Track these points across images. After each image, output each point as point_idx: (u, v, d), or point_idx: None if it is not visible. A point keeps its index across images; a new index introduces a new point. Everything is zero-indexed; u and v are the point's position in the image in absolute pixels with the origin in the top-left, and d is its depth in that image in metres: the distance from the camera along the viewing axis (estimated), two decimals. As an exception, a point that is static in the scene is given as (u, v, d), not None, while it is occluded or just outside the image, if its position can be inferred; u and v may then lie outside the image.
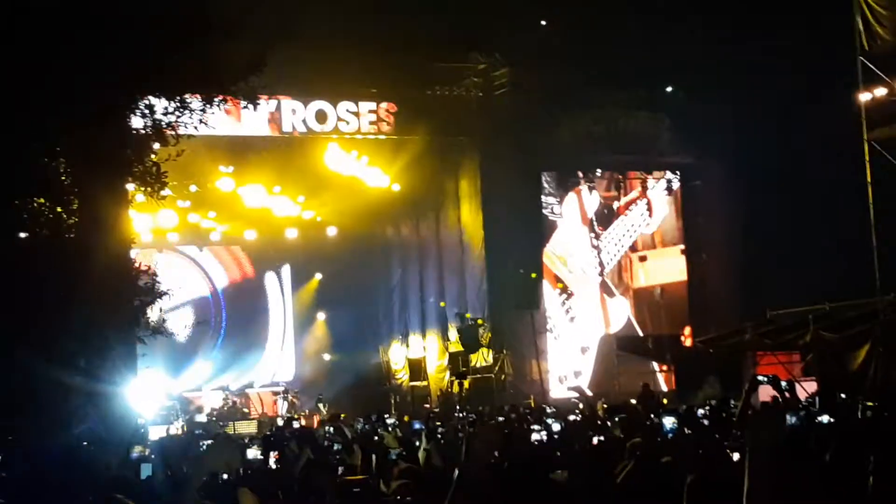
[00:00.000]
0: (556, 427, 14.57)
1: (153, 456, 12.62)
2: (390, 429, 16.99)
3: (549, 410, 20.08)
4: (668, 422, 10.74)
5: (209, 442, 16.63)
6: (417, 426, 17.65)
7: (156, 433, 25.34)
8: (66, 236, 15.24)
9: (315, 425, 24.69)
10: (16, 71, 12.87)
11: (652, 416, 15.88)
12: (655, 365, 29.46)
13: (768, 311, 26.14)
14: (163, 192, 16.11)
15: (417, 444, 11.28)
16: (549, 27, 28.67)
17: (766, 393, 13.35)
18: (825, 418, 11.68)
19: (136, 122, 15.82)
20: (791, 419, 10.17)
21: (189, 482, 7.88)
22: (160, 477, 10.49)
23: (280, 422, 25.91)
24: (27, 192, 14.21)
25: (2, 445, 13.26)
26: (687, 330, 31.22)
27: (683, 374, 26.17)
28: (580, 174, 31.21)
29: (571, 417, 18.39)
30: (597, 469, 8.91)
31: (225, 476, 9.97)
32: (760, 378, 13.86)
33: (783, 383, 14.47)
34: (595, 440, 12.26)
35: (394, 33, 26.54)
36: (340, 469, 12.14)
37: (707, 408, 15.99)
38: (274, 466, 12.84)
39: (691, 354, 28.18)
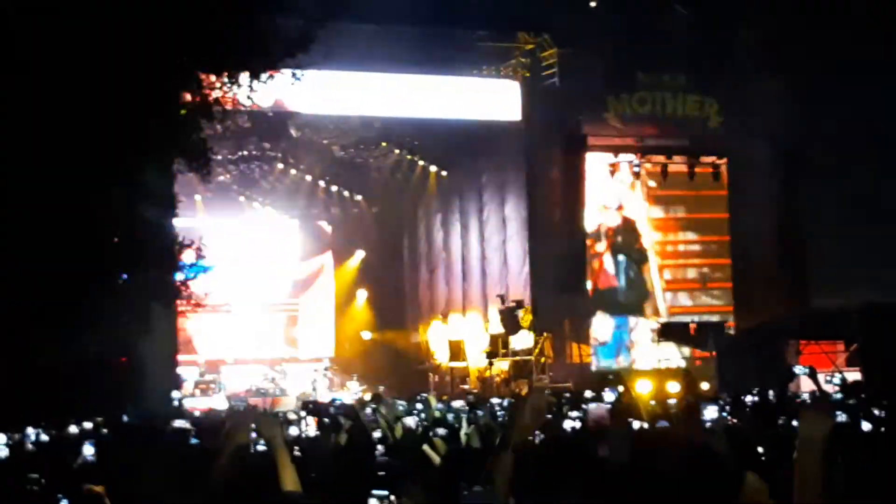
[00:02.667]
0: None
1: (192, 429, 12.67)
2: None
3: (588, 395, 19.86)
4: (710, 411, 10.56)
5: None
6: (458, 404, 17.60)
7: (195, 406, 25.59)
8: (112, 209, 15.32)
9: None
10: (63, 42, 12.91)
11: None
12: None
13: (814, 299, 25.92)
14: (207, 169, 16.11)
15: (457, 426, 11.22)
16: (598, 8, 28.39)
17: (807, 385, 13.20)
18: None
19: (184, 96, 15.86)
20: (840, 416, 9.99)
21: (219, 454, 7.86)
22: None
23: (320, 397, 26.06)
24: (74, 163, 14.28)
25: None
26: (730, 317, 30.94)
27: (725, 362, 25.93)
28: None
29: (608, 398, 18.11)
30: (637, 457, 8.81)
31: (262, 447, 9.93)
32: (797, 369, 13.74)
33: (836, 378, 14.30)
34: (637, 425, 12.11)
35: (441, 11, 26.43)
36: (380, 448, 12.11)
37: (751, 397, 15.80)
38: (313, 434, 12.84)
39: (734, 342, 27.93)
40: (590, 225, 30.44)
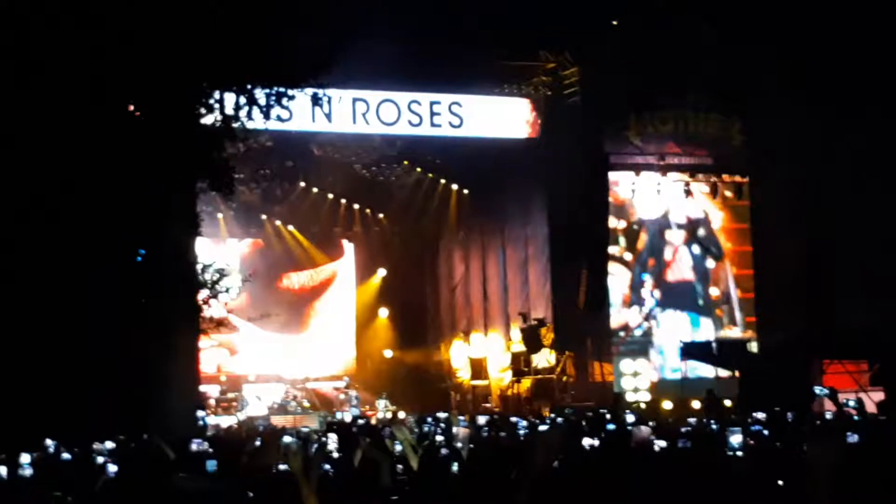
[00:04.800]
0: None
1: (211, 450, 12.66)
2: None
3: (607, 416, 19.81)
4: (735, 439, 10.48)
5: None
6: (483, 420, 17.62)
7: (217, 424, 25.64)
8: (134, 228, 15.41)
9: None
10: (86, 60, 13.02)
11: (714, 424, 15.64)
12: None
13: (837, 318, 25.78)
14: (230, 189, 16.19)
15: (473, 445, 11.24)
16: (620, 27, 28.39)
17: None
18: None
19: (206, 117, 15.94)
20: (852, 437, 9.94)
21: (240, 477, 7.87)
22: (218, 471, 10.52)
23: (346, 417, 26.08)
24: (96, 184, 14.37)
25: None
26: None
27: (749, 380, 25.81)
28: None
29: (630, 420, 18.07)
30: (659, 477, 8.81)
31: (283, 467, 9.95)
32: (818, 390, 13.64)
33: (852, 402, 14.20)
34: (657, 446, 12.08)
35: (462, 29, 26.52)
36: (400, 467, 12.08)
37: (762, 414, 15.69)
38: (336, 455, 12.86)
39: (757, 361, 27.80)
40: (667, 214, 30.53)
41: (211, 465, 9.72)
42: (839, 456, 6.06)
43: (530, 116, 29.75)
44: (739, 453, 9.46)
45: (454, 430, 14.82)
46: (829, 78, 26.69)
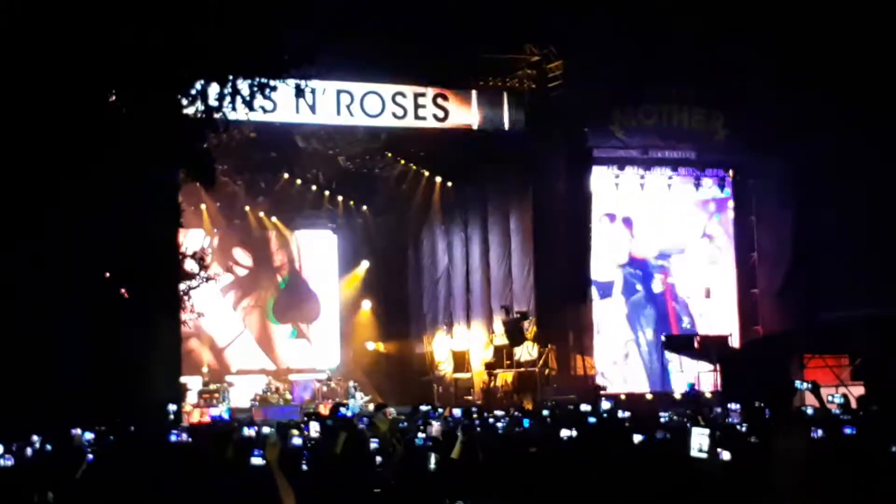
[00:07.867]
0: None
1: (190, 440, 12.65)
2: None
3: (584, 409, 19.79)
4: (703, 438, 10.48)
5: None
6: (458, 414, 17.63)
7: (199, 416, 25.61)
8: (115, 218, 15.35)
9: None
10: (68, 49, 12.95)
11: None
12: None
13: (818, 313, 25.88)
14: (211, 179, 16.15)
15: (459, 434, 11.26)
16: (604, 20, 28.35)
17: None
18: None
19: (188, 107, 15.88)
20: (817, 432, 9.97)
21: (221, 469, 7.87)
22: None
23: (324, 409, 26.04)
24: (77, 175, 14.31)
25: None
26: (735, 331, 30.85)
27: (729, 375, 25.91)
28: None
29: (605, 407, 18.07)
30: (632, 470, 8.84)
31: (260, 461, 9.95)
32: (798, 384, 13.66)
33: (838, 397, 14.25)
34: (636, 438, 12.10)
35: (448, 22, 26.47)
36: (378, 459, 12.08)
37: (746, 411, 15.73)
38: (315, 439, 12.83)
39: (738, 355, 27.89)
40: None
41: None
42: (805, 450, 6.10)
43: (515, 110, 29.67)
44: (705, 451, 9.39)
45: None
46: (814, 72, 26.73)
